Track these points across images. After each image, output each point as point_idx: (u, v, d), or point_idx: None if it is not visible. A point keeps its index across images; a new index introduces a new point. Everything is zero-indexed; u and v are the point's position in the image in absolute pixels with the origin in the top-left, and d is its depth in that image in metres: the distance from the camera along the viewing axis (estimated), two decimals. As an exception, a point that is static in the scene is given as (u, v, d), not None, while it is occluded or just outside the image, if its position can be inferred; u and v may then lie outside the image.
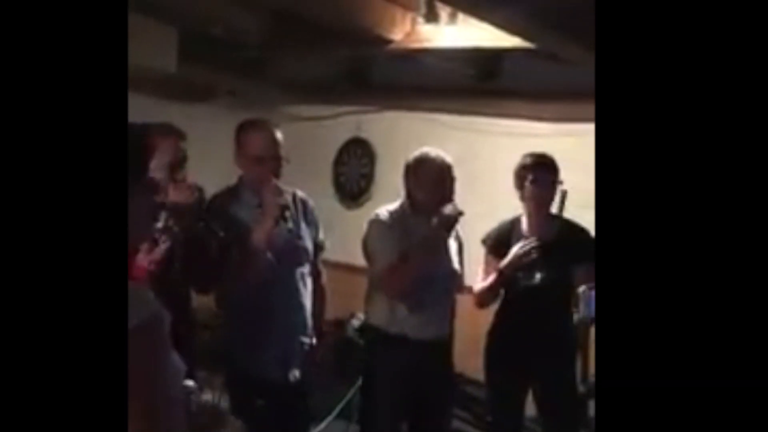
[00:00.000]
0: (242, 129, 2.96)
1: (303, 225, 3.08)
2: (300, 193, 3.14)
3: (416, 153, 3.18)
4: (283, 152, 2.94)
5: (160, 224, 2.32)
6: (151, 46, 3.94)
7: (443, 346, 3.25)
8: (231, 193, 2.95)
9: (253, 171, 2.90)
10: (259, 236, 2.80)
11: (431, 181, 3.11)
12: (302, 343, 3.05)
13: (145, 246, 2.27)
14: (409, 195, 3.18)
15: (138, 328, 1.20)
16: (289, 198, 3.00)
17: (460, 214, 3.07)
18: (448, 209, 3.02)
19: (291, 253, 2.99)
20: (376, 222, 3.15)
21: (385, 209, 3.18)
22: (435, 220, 3.03)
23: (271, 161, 2.89)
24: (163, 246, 2.32)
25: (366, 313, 3.29)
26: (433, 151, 3.18)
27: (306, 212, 3.10)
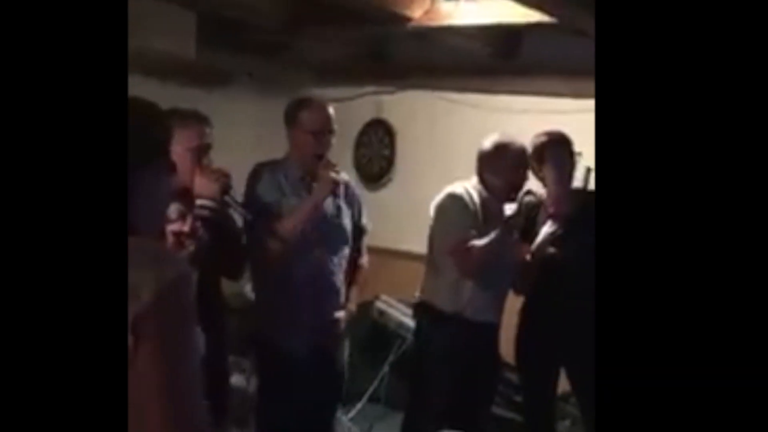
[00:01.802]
0: (299, 105, 3.07)
1: (344, 206, 3.12)
2: (344, 175, 3.18)
3: (492, 139, 3.20)
4: (335, 128, 3.06)
5: (186, 227, 2.34)
6: (169, 31, 3.92)
7: (495, 329, 3.29)
8: (276, 167, 3.05)
9: (307, 145, 3.00)
10: (307, 207, 2.92)
11: (509, 169, 3.15)
12: (334, 323, 3.09)
13: (178, 240, 2.30)
14: (483, 179, 3.20)
15: (167, 287, 1.17)
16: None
17: (541, 204, 3.13)
18: (528, 198, 3.06)
19: (327, 233, 3.04)
20: (453, 197, 3.16)
21: (460, 186, 3.20)
22: (517, 206, 3.06)
23: (326, 136, 3.02)
24: (190, 247, 2.34)
25: (423, 291, 3.29)
26: (507, 137, 3.21)
27: (347, 194, 3.16)
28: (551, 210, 3.22)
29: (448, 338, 3.13)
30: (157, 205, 1.36)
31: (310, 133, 3.00)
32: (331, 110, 3.06)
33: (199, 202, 2.52)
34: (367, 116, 5.41)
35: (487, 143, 3.20)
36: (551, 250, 3.19)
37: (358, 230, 3.22)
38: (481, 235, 3.06)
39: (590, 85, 4.37)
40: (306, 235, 2.95)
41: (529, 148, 3.26)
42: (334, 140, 3.06)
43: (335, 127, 3.05)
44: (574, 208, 3.20)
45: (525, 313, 3.37)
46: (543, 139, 3.26)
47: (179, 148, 2.47)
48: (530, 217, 3.16)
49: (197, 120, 2.61)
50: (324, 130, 3.01)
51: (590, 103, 4.20)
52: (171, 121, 1.56)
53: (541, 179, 3.27)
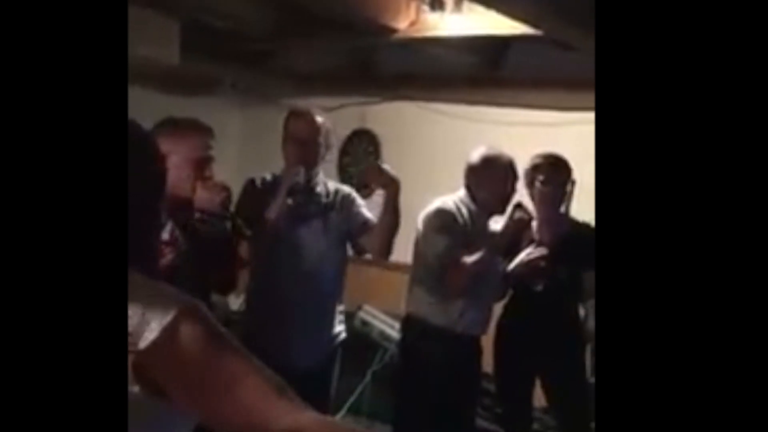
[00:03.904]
0: (288, 115, 3.12)
1: (333, 214, 3.04)
2: (345, 189, 3.18)
3: (479, 153, 3.19)
4: (322, 139, 3.04)
5: (166, 235, 2.27)
6: (153, 39, 3.90)
7: (479, 342, 3.29)
8: (273, 180, 3.03)
9: (291, 155, 3.00)
10: (273, 209, 2.86)
11: (497, 182, 3.14)
12: (325, 338, 3.06)
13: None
14: (470, 192, 3.19)
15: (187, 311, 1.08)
16: (330, 189, 3.08)
17: (531, 219, 3.09)
18: (518, 213, 3.05)
19: (312, 241, 2.98)
20: (442, 212, 3.13)
21: (450, 199, 3.18)
22: (506, 222, 3.06)
23: (311, 146, 2.99)
24: (169, 256, 2.26)
25: (410, 304, 3.26)
26: (494, 150, 3.21)
27: (343, 205, 3.07)
28: (537, 235, 3.21)
29: (437, 352, 3.12)
30: (155, 239, 1.30)
31: (294, 142, 3.00)
32: (319, 120, 3.05)
33: (197, 215, 2.49)
34: (352, 126, 5.40)
35: (475, 156, 3.19)
36: (529, 273, 3.18)
37: (356, 244, 3.13)
38: (470, 249, 3.05)
39: (576, 98, 4.43)
40: (287, 241, 2.91)
41: (524, 168, 3.26)
42: (326, 153, 3.07)
43: (321, 138, 3.03)
44: (560, 236, 3.19)
45: (501, 325, 3.37)
46: (538, 160, 3.24)
47: (178, 159, 2.44)
48: (522, 232, 3.16)
49: (199, 131, 2.52)
50: (308, 140, 2.99)
51: (576, 116, 4.25)
52: (161, 144, 1.45)
53: (532, 200, 3.25)
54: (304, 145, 2.99)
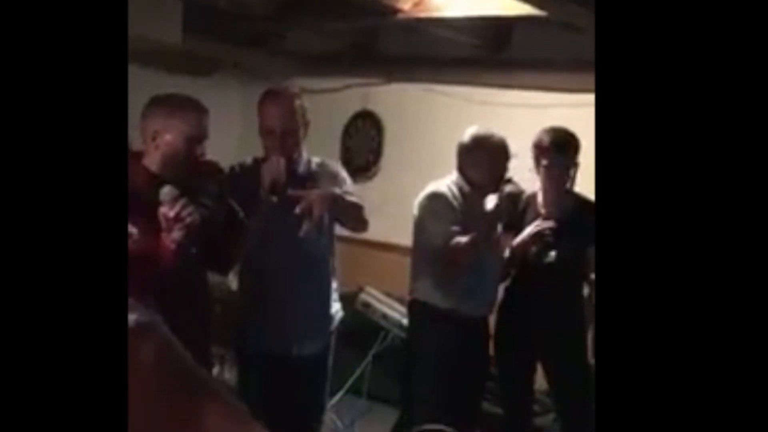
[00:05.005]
0: (261, 98, 2.89)
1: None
2: (330, 166, 3.00)
3: (471, 132, 3.19)
4: (299, 118, 2.83)
5: (172, 212, 2.25)
6: (155, 18, 3.88)
7: (487, 324, 3.30)
8: (253, 165, 2.87)
9: (269, 144, 2.82)
10: (255, 202, 2.73)
11: (489, 162, 3.14)
12: (314, 316, 2.99)
13: (168, 224, 2.23)
14: (463, 173, 3.19)
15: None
16: (312, 170, 2.91)
17: (522, 192, 3.10)
18: (509, 188, 3.05)
19: (291, 227, 2.81)
20: (435, 195, 3.14)
21: (443, 183, 3.18)
22: (498, 198, 3.05)
23: (287, 133, 2.80)
24: (179, 232, 2.26)
25: (414, 289, 3.27)
26: (486, 130, 3.19)
27: (324, 186, 2.87)
28: (542, 210, 3.21)
29: (443, 335, 3.13)
30: None
31: (271, 131, 2.80)
32: (293, 101, 2.82)
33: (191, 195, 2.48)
34: (355, 107, 5.38)
35: (466, 137, 3.19)
36: (534, 249, 3.18)
37: (343, 222, 2.98)
38: (465, 231, 3.05)
39: (580, 79, 4.40)
40: (272, 228, 2.82)
41: (534, 143, 3.25)
42: (306, 131, 2.85)
43: (299, 117, 2.81)
44: (566, 211, 3.18)
45: (503, 307, 3.37)
46: (546, 135, 3.22)
47: (172, 137, 2.44)
48: (514, 206, 3.15)
49: (191, 108, 2.51)
50: (284, 127, 2.78)
51: (579, 98, 4.22)
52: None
53: (538, 175, 3.24)
54: (282, 133, 2.78)
